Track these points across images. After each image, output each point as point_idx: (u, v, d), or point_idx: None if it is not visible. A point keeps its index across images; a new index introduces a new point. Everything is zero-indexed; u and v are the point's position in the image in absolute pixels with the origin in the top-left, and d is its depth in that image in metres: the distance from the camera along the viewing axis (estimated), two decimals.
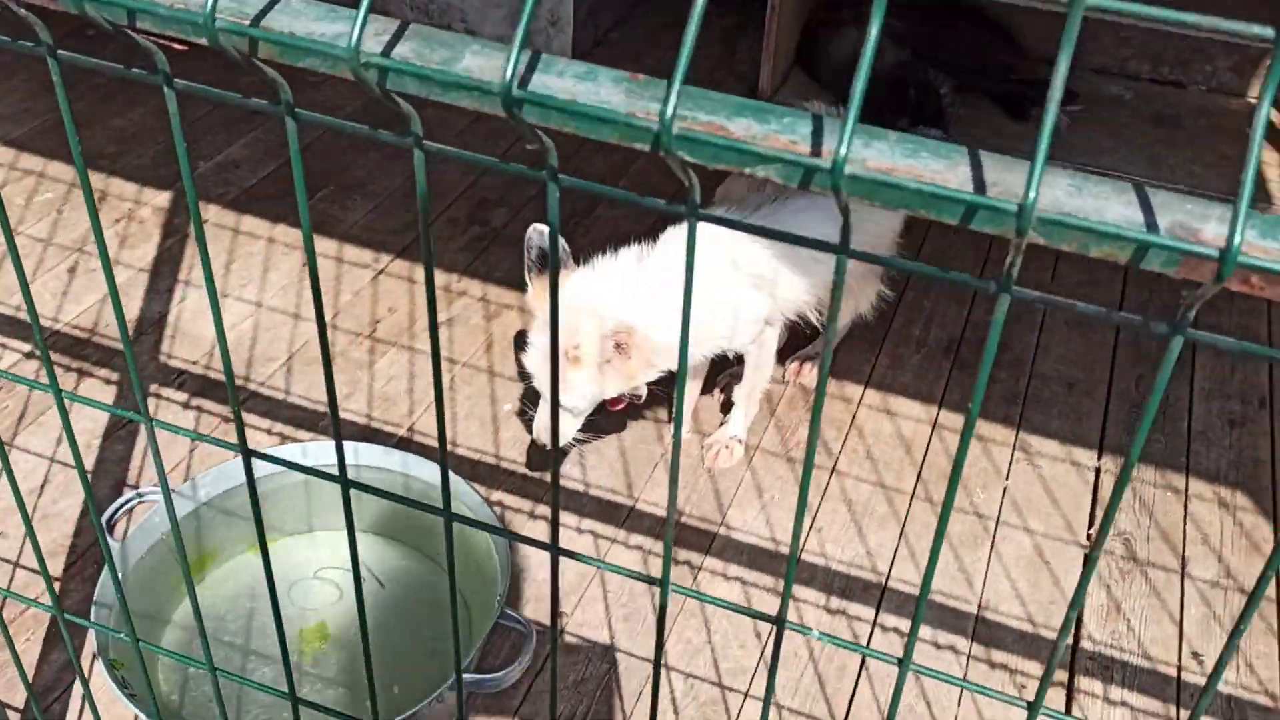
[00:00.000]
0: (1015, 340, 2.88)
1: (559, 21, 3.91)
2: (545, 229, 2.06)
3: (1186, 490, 2.49)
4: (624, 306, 2.06)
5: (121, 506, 2.00)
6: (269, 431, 2.47)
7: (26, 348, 2.65)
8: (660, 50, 4.13)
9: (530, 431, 2.44)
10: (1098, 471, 2.52)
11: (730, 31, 4.29)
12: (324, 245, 3.05)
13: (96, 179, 3.23)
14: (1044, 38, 4.07)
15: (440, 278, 2.98)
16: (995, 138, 3.65)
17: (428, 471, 2.10)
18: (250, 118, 3.56)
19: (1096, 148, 3.64)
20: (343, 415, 2.52)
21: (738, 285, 2.18)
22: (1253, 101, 3.95)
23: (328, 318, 2.82)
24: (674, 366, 2.16)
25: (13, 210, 3.08)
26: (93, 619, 1.80)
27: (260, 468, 2.06)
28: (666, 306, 2.09)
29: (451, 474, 2.05)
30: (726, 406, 2.55)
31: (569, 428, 2.19)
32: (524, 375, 2.54)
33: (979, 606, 2.20)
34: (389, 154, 3.45)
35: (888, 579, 2.25)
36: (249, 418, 2.51)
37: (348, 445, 2.13)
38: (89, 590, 2.07)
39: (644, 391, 2.23)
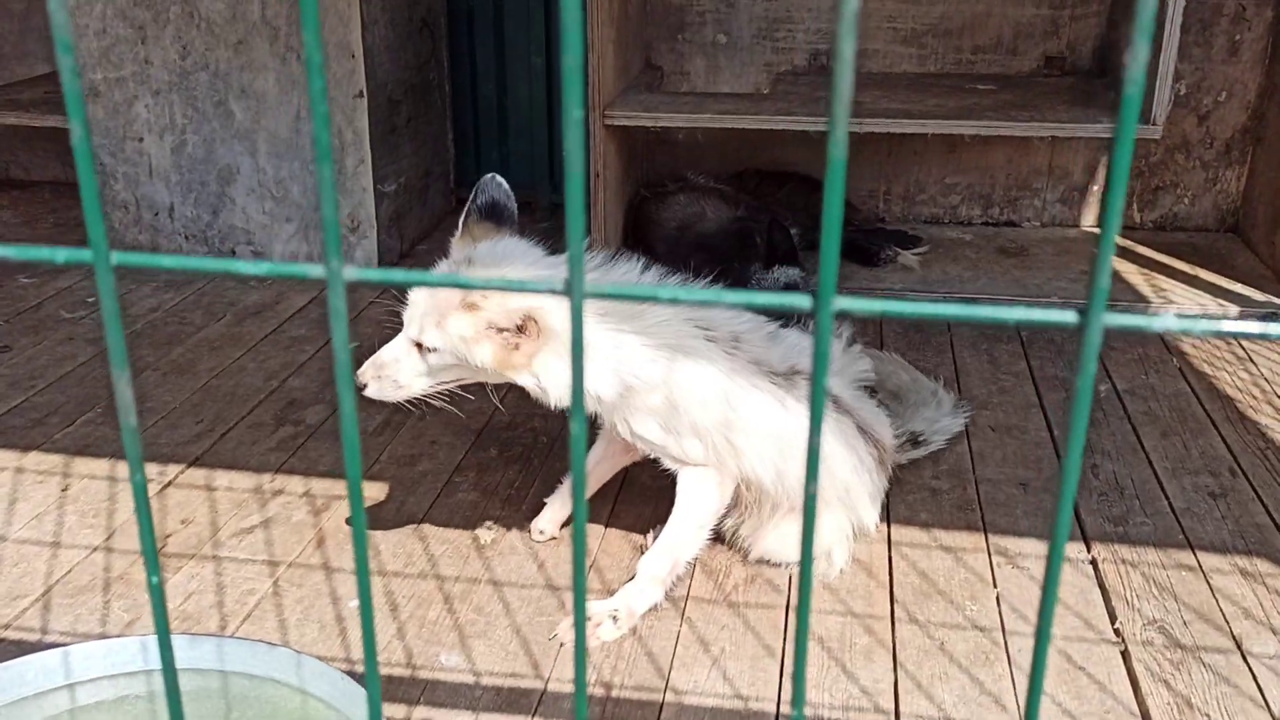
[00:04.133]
0: (946, 450, 2.47)
1: (360, 227, 3.52)
2: (501, 179, 1.91)
3: (1200, 566, 2.06)
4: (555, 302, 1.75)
5: None
6: None
7: None
8: None
9: None
10: (1094, 563, 2.07)
11: (548, 232, 4.01)
12: (91, 467, 2.41)
13: None
14: (868, 196, 3.95)
15: (248, 480, 2.37)
16: (848, 282, 3.40)
17: (257, 661, 1.46)
18: None
19: (958, 279, 3.43)
20: None
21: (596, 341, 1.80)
22: (1087, 229, 3.88)
23: (99, 541, 2.15)
24: (552, 393, 1.79)
25: None
26: None
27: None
28: (592, 330, 1.79)
29: (317, 663, 1.43)
30: None
31: (415, 378, 1.82)
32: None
33: None
34: (170, 372, 2.88)
35: (898, 717, 1.68)
36: None
37: (133, 642, 1.47)
38: None
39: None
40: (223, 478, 2.39)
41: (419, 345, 1.79)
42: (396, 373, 1.82)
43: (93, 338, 3.08)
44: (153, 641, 1.47)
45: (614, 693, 1.74)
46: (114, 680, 1.45)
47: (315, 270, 0.47)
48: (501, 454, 2.50)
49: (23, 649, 1.84)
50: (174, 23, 3.39)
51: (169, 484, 2.36)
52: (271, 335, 3.12)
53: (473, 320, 1.73)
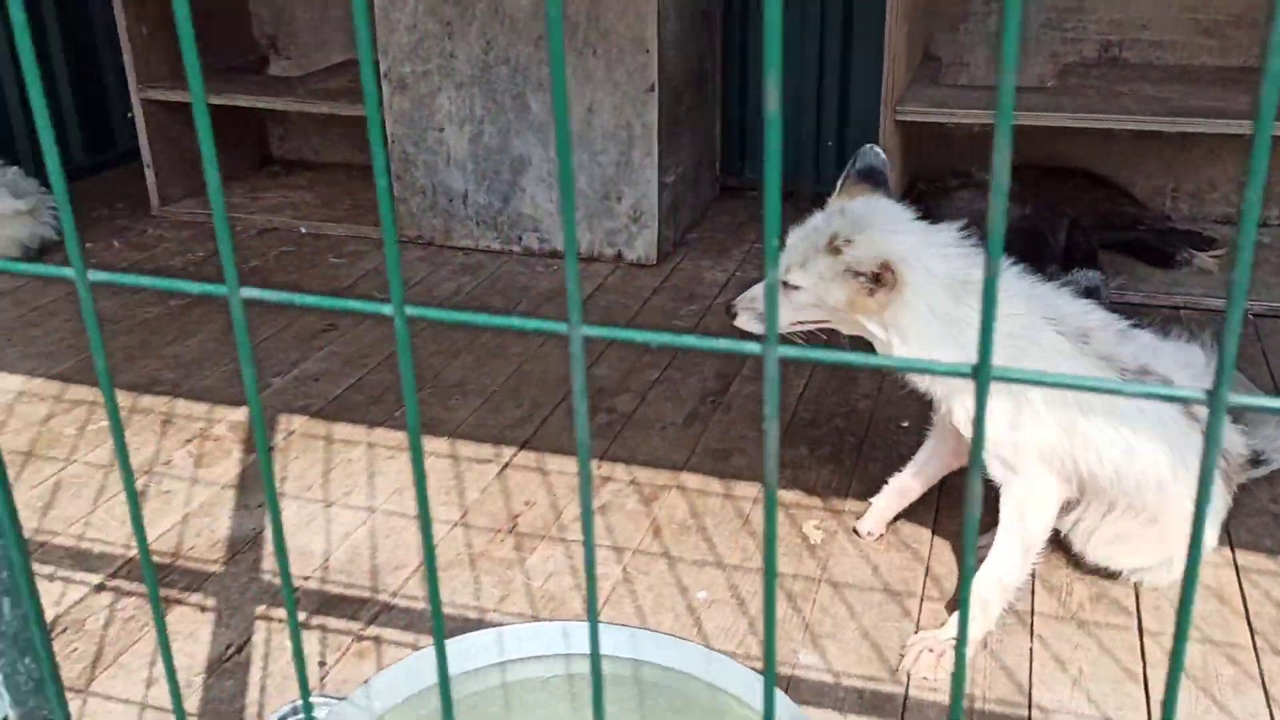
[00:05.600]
0: None
1: (642, 218, 3.63)
2: (879, 149, 2.02)
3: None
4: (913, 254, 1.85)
5: None
6: (415, 646, 1.93)
7: (95, 579, 2.12)
8: (744, 244, 3.85)
9: None
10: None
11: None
12: (434, 445, 2.60)
13: (158, 402, 2.79)
14: (1153, 194, 3.83)
15: (575, 465, 2.50)
16: (1143, 284, 3.32)
17: (665, 653, 1.56)
18: (319, 334, 3.19)
19: (1262, 285, 3.30)
20: (505, 622, 1.99)
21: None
22: None
23: (455, 517, 2.32)
24: (896, 346, 1.85)
25: (64, 440, 2.62)
26: None
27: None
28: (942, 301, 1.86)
29: (726, 659, 1.52)
30: None
31: (784, 310, 1.93)
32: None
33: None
34: (483, 355, 3.05)
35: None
36: (388, 633, 1.96)
37: (556, 626, 1.60)
38: None
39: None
40: (552, 462, 2.53)
41: (784, 284, 1.91)
42: (763, 306, 1.95)
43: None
44: (573, 627, 1.59)
45: (978, 705, 1.78)
46: (540, 661, 1.58)
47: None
48: (812, 452, 2.56)
49: (410, 616, 2.02)
50: (480, 19, 3.55)
51: (507, 465, 2.52)
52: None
53: (833, 262, 1.83)
